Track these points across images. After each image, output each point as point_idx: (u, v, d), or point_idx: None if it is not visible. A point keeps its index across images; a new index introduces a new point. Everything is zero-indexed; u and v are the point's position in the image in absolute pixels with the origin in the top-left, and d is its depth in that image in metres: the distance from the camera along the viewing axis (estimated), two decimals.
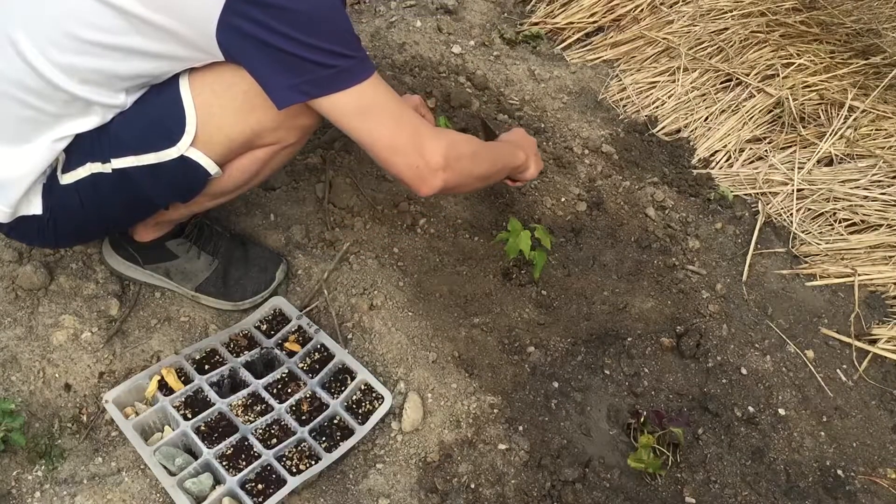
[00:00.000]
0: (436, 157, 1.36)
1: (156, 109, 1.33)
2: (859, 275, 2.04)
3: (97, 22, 1.19)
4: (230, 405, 1.54)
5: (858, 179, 2.26)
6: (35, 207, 1.41)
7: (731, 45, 2.58)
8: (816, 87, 2.49)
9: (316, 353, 1.67)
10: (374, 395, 1.60)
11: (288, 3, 1.17)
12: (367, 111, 1.30)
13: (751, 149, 2.38)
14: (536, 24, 2.75)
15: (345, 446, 1.50)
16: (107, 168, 1.35)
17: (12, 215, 1.41)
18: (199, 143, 1.33)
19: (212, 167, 1.37)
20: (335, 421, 1.56)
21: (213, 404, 1.54)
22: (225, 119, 1.33)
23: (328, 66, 1.23)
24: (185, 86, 1.31)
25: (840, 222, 2.18)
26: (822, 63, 2.56)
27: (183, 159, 1.33)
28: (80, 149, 1.35)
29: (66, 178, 1.38)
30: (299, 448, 1.50)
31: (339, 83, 1.26)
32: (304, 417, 1.55)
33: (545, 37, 2.72)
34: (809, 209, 2.21)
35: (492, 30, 2.68)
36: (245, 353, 1.64)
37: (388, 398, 1.58)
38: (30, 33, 1.23)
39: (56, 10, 1.20)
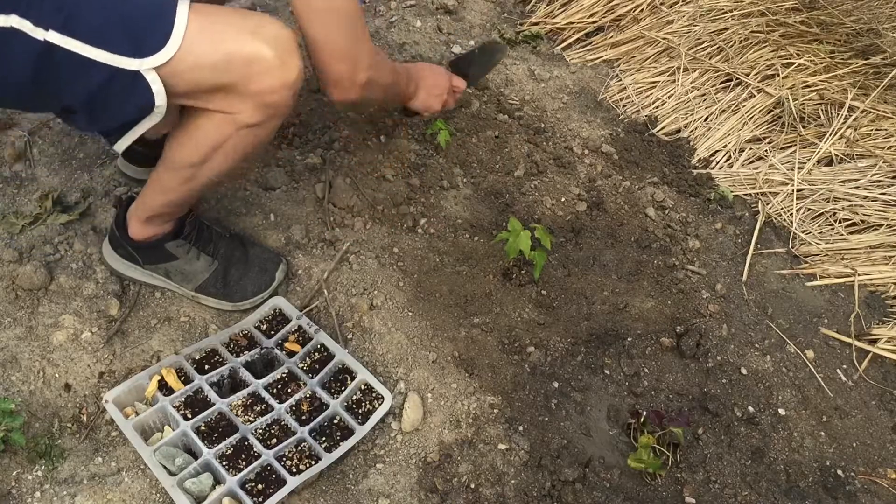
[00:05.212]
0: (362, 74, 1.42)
1: (139, 10, 1.18)
2: (859, 275, 2.04)
3: None
4: (230, 405, 1.54)
5: (858, 179, 2.26)
6: None
7: (731, 45, 2.58)
8: (816, 87, 2.49)
9: (316, 353, 1.67)
10: (374, 395, 1.60)
11: None
12: None
13: (751, 149, 2.38)
14: (536, 24, 2.74)
15: (345, 446, 1.50)
16: (37, 34, 1.13)
17: None
18: (166, 68, 1.19)
19: (160, 96, 1.21)
20: (335, 421, 1.56)
21: (213, 404, 1.54)
22: (211, 51, 1.21)
23: None
24: (184, 5, 1.19)
25: (840, 222, 2.17)
26: (822, 63, 2.56)
27: (136, 77, 1.18)
28: None
29: None
30: (299, 448, 1.50)
31: None
32: (304, 417, 1.55)
33: (545, 37, 2.72)
34: (809, 209, 2.21)
35: (492, 30, 2.68)
36: (245, 353, 1.64)
37: (388, 398, 1.58)
38: None
39: None
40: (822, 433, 1.74)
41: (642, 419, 1.64)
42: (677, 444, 1.62)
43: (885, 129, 2.40)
